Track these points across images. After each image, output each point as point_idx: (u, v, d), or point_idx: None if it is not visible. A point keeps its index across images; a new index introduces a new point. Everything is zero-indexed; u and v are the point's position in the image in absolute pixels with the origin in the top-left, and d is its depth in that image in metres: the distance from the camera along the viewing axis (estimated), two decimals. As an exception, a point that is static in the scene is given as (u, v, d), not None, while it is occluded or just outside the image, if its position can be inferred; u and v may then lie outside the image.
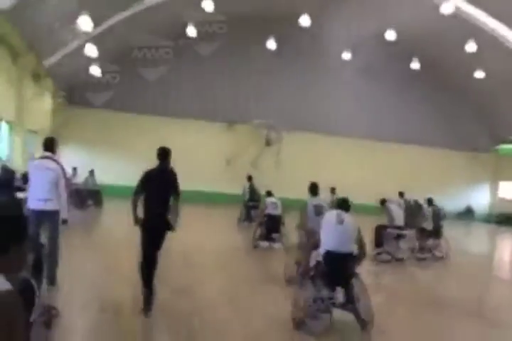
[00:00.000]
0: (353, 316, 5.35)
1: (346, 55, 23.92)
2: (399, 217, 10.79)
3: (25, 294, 2.72)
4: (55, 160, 6.12)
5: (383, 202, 10.99)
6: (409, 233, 11.13)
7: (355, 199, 13.15)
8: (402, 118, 26.09)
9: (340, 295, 5.39)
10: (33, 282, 3.13)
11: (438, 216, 11.72)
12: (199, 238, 12.04)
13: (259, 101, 24.81)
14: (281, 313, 5.64)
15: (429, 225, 11.46)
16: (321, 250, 5.58)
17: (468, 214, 27.28)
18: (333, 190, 15.64)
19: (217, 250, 10.47)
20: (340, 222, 5.49)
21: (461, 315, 6.80)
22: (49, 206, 5.94)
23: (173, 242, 6.57)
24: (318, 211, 7.21)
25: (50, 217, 5.95)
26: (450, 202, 26.43)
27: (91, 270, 7.42)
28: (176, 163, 20.63)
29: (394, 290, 8.01)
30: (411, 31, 21.83)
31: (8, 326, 2.07)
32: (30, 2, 12.49)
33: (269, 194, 12.17)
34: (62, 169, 6.08)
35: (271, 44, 23.09)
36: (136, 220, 5.59)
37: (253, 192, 14.89)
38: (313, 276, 5.51)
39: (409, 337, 5.63)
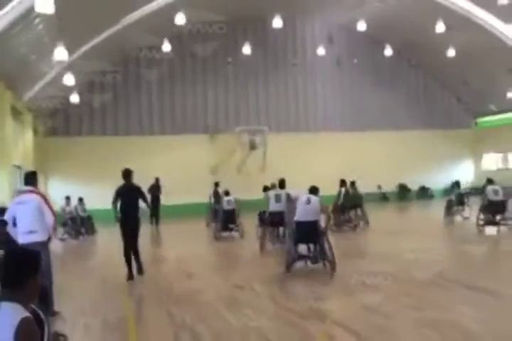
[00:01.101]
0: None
1: (321, 51, 24.55)
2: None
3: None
4: (35, 192, 6.43)
5: (265, 189, 13.34)
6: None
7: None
8: (380, 105, 26.51)
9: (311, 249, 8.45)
10: (40, 312, 3.54)
11: (355, 195, 14.97)
12: (174, 246, 14.00)
13: (239, 108, 25.24)
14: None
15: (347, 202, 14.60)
16: (294, 221, 8.53)
17: (454, 189, 27.79)
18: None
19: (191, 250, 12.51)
20: (308, 202, 8.47)
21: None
22: (35, 238, 6.15)
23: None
24: (278, 199, 11.17)
25: (38, 248, 6.13)
26: (438, 181, 27.17)
27: (90, 295, 7.90)
28: (164, 179, 21.23)
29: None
30: (381, 19, 22.42)
31: None
32: (2, 40, 12.80)
33: (226, 193, 14.21)
34: (45, 198, 6.38)
35: (245, 49, 23.45)
36: (118, 219, 8.75)
37: (217, 196, 16.94)
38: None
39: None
